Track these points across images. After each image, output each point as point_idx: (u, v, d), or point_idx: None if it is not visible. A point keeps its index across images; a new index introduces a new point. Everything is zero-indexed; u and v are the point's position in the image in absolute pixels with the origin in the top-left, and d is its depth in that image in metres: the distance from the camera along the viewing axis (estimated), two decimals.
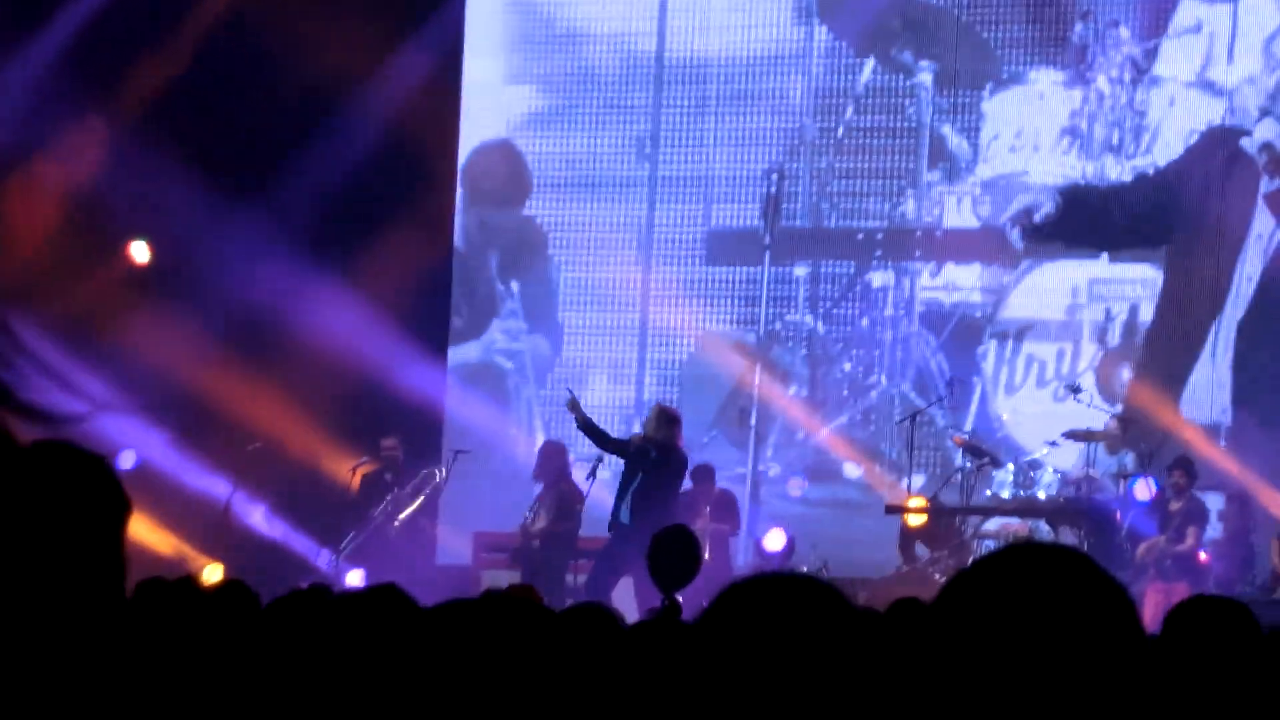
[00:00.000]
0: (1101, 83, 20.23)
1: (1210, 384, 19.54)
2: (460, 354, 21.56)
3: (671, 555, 9.34)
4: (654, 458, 16.44)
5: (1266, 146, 19.60)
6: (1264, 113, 19.69)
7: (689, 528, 10.05)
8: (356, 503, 19.30)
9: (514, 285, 21.55)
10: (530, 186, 21.60)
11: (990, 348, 20.41)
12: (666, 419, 16.70)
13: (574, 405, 17.04)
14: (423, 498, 19.43)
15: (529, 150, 21.69)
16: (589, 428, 16.95)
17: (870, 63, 20.88)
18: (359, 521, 19.15)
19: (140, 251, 20.28)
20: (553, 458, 18.44)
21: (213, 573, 17.90)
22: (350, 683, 4.12)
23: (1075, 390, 18.37)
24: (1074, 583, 2.36)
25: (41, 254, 19.32)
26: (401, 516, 19.22)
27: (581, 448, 18.22)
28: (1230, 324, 19.61)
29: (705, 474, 18.47)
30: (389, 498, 19.26)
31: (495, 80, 21.74)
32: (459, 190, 21.74)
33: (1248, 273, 19.61)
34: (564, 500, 18.01)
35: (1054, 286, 20.26)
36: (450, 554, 19.83)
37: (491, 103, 21.67)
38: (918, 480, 19.09)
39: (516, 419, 21.22)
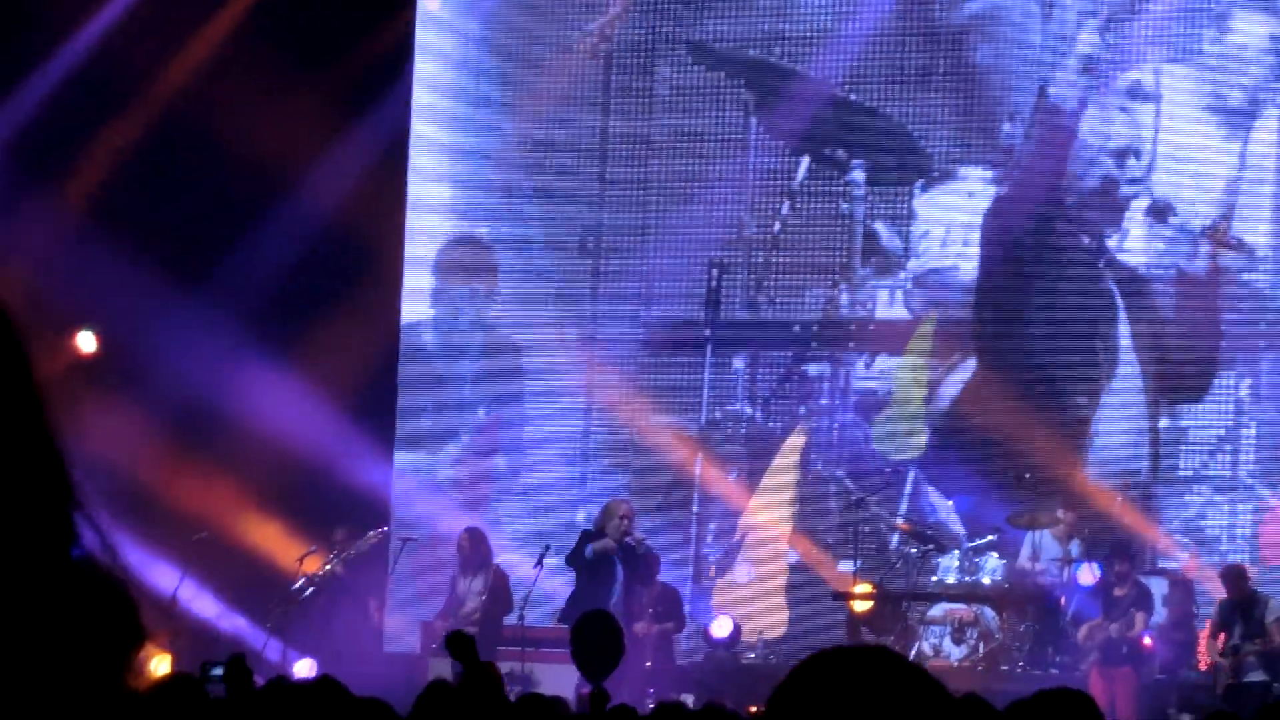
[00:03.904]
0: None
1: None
2: (414, 460, 20.46)
3: (595, 642, 8.72)
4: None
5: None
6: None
7: (609, 613, 9.29)
8: (312, 593, 18.23)
9: (481, 411, 20.48)
10: (496, 281, 20.65)
11: (923, 436, 19.53)
12: None
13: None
14: (354, 551, 18.31)
15: (471, 239, 20.78)
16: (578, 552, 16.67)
17: (805, 160, 20.05)
18: (304, 608, 18.06)
19: (86, 342, 19.10)
20: (481, 543, 17.59)
21: (160, 664, 16.83)
22: None
23: (1019, 478, 17.41)
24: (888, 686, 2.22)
25: None
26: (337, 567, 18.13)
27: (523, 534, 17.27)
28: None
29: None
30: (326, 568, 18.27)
31: (440, 165, 20.83)
32: (432, 282, 20.72)
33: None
34: (499, 584, 17.21)
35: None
36: (398, 643, 18.78)
37: (435, 190, 20.80)
38: (853, 565, 18.20)
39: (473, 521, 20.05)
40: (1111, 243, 18.97)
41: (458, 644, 8.81)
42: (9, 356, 1.51)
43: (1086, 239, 19.07)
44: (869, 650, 2.28)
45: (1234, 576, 16.05)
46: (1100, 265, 18.94)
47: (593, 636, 8.70)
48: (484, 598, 17.33)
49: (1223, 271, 18.57)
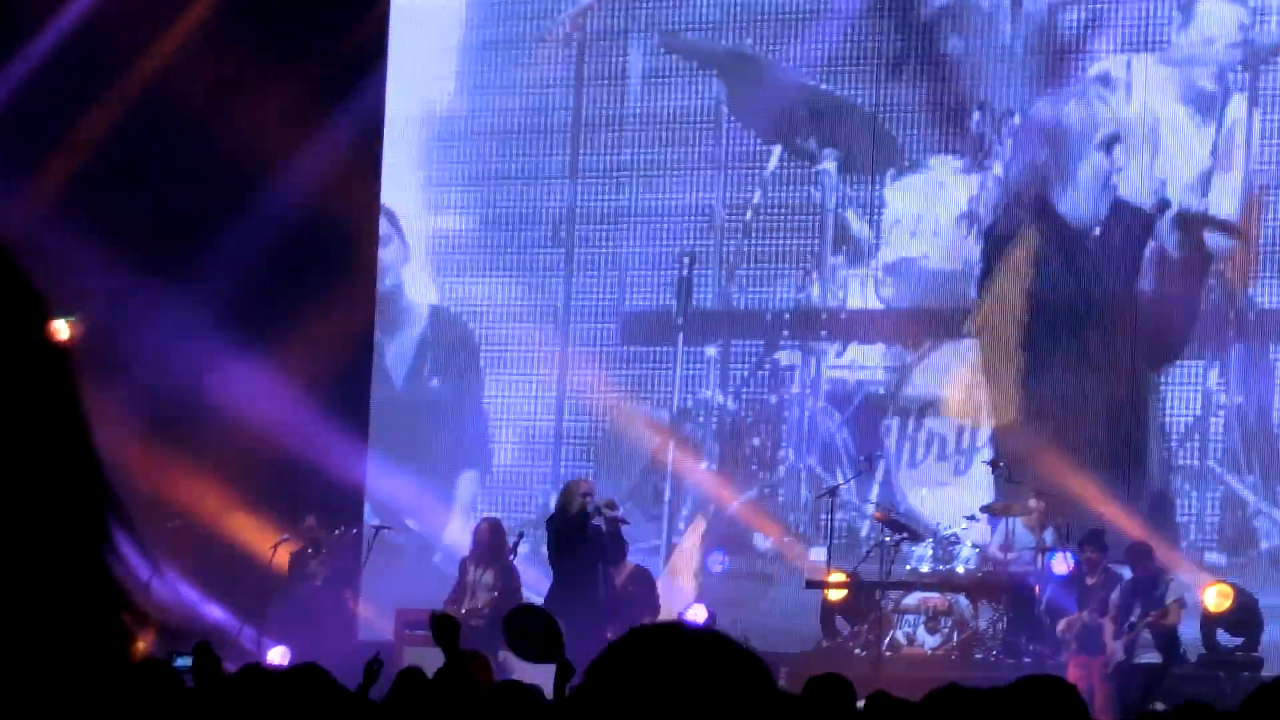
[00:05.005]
0: (998, 169, 19.30)
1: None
2: (388, 448, 20.20)
3: (534, 637, 8.46)
4: None
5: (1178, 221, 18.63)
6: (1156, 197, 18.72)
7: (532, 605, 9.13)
8: (285, 581, 18.03)
9: (451, 399, 20.26)
10: (467, 270, 20.46)
11: (893, 424, 19.40)
12: None
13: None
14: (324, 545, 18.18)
15: (443, 228, 20.57)
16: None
17: (777, 149, 19.89)
18: (284, 596, 17.88)
19: (61, 330, 18.83)
20: (500, 536, 17.39)
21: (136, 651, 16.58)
22: None
23: (994, 465, 17.22)
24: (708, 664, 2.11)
25: None
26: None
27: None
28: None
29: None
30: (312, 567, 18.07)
31: (415, 152, 20.61)
32: (406, 267, 20.58)
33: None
34: (510, 578, 16.94)
35: (955, 365, 19.22)
36: (372, 630, 18.54)
37: (410, 177, 20.61)
38: (825, 553, 18.01)
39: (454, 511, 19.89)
40: (1088, 230, 18.82)
41: (442, 627, 8.58)
42: (53, 354, 1.48)
43: (1062, 226, 18.92)
44: (690, 631, 2.17)
45: (1140, 554, 15.90)
46: (1077, 253, 18.79)
47: (525, 627, 8.52)
48: (495, 594, 17.05)
49: (1196, 259, 18.44)
